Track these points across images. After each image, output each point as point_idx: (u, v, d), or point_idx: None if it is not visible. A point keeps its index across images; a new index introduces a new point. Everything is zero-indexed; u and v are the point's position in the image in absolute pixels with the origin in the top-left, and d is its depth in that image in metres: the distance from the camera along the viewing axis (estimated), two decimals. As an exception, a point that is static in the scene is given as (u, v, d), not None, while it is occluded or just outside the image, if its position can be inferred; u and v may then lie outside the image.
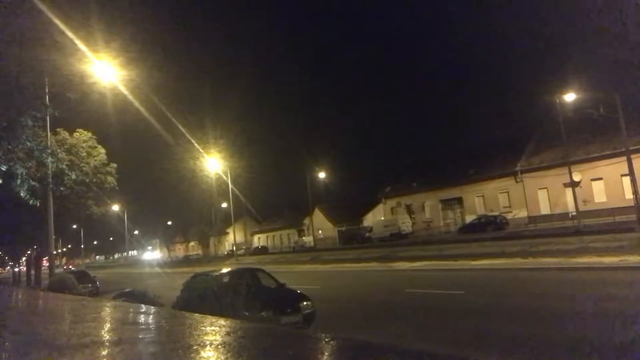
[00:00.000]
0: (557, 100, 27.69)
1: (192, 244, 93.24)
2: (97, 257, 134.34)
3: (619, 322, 8.21)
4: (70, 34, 10.49)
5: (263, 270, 12.47)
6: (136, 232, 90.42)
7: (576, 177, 31.46)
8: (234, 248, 60.33)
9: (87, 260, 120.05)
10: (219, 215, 67.48)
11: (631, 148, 25.69)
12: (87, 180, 25.38)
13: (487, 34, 76.50)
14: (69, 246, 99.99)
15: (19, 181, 10.72)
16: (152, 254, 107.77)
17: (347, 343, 2.45)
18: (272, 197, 73.09)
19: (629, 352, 6.60)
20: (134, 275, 43.40)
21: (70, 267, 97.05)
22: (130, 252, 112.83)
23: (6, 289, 19.88)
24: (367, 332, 9.42)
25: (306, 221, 62.34)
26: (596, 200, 33.56)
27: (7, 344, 3.31)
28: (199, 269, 23.18)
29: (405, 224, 45.74)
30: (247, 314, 9.21)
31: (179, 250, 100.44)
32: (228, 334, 2.92)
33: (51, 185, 16.53)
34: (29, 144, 11.05)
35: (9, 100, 10.12)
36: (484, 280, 16.17)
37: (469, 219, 41.45)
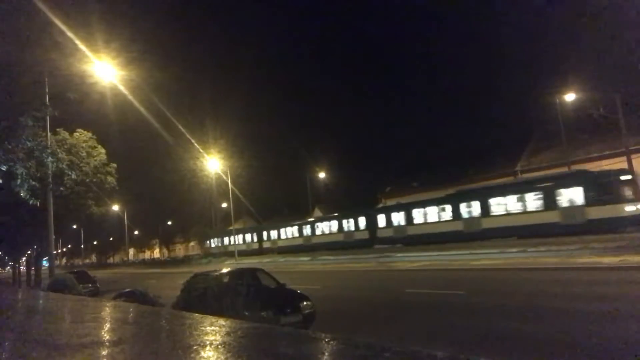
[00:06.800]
0: (557, 100, 27.73)
1: (191, 244, 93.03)
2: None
3: (619, 322, 8.22)
4: (70, 34, 10.51)
5: (263, 270, 12.47)
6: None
7: (576, 177, 31.40)
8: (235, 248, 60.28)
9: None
10: (219, 215, 67.48)
11: (631, 148, 25.71)
12: (87, 180, 25.40)
13: (487, 34, 76.58)
14: (69, 246, 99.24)
15: (19, 181, 10.73)
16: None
17: (347, 343, 2.45)
18: (272, 197, 73.08)
19: (629, 352, 6.60)
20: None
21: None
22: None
23: (6, 288, 19.88)
24: (367, 332, 9.43)
25: (306, 221, 62.29)
26: (596, 200, 33.49)
27: (7, 344, 3.31)
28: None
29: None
30: (247, 314, 9.21)
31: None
32: (228, 334, 2.92)
33: (51, 185, 16.55)
34: (29, 144, 11.05)
35: (9, 100, 10.13)
36: (484, 280, 16.17)
37: (469, 219, 41.34)
